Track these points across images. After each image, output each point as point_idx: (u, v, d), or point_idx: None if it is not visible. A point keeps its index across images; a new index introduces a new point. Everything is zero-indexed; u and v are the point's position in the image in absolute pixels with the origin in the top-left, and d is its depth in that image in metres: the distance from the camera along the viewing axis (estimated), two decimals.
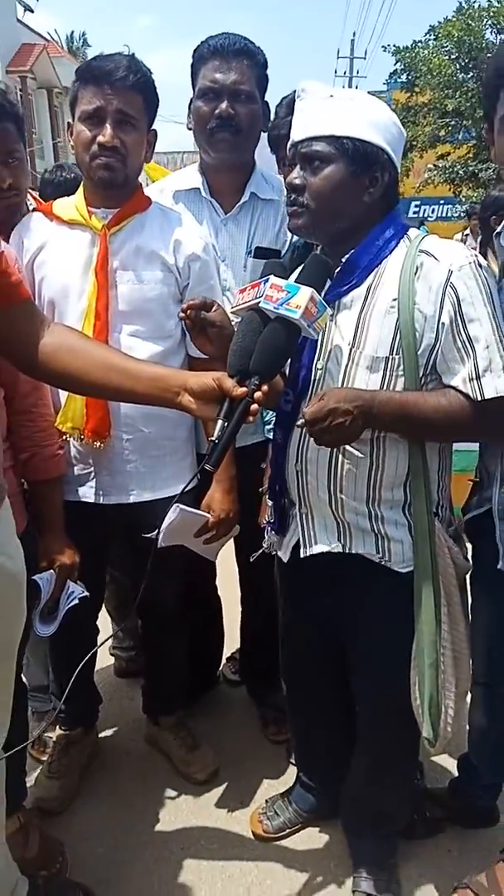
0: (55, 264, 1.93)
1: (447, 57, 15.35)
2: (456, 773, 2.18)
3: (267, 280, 1.44)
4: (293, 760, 2.36)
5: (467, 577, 1.74)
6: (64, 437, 1.93)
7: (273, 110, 2.19)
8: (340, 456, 1.58)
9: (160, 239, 1.95)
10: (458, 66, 15.42)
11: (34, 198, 2.28)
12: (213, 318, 1.60)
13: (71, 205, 1.95)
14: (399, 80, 16.85)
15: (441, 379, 1.54)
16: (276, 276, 1.45)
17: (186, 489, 1.65)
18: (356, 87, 15.94)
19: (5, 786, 1.63)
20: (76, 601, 1.92)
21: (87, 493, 2.03)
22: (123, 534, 2.20)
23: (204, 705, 2.70)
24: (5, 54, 24.50)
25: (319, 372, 1.60)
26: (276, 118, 2.20)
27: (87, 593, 1.96)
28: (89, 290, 1.89)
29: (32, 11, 30.21)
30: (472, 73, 15.42)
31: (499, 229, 1.87)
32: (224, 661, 2.89)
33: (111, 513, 2.06)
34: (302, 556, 1.71)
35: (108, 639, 1.98)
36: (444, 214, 17.77)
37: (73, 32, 48.32)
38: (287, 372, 1.66)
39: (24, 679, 1.99)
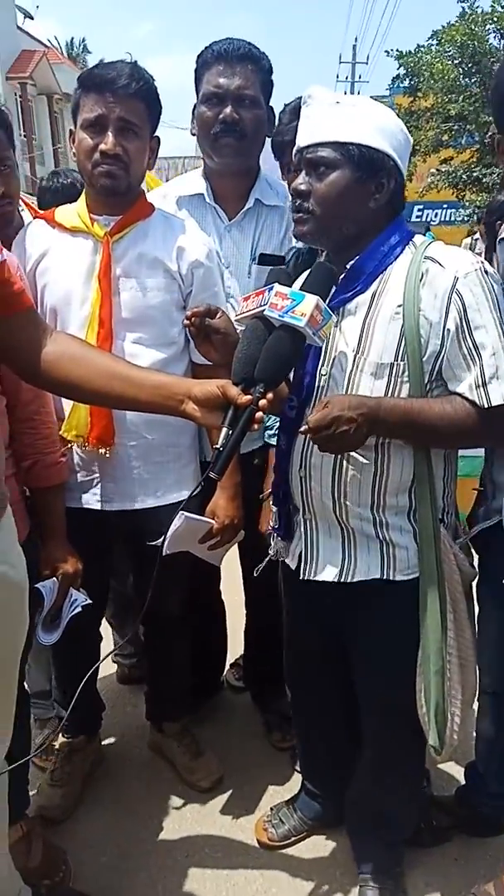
0: (57, 272, 1.93)
1: (450, 62, 15.36)
2: (462, 781, 2.17)
3: (271, 288, 1.43)
4: (298, 767, 2.35)
5: (473, 585, 1.73)
6: (67, 445, 1.93)
7: (277, 116, 2.19)
8: (345, 462, 1.58)
9: (163, 246, 1.94)
10: (461, 70, 15.42)
11: (27, 205, 2.27)
12: (218, 325, 1.60)
13: (73, 212, 1.95)
14: (402, 85, 16.84)
15: (447, 386, 1.53)
16: (281, 284, 1.44)
17: (191, 496, 1.64)
18: (358, 93, 15.96)
19: (8, 794, 1.62)
20: (79, 609, 1.92)
21: (89, 500, 2.02)
22: (126, 541, 2.20)
23: (208, 712, 2.69)
24: (5, 61, 24.62)
25: (323, 378, 1.59)
26: (280, 124, 2.20)
27: (90, 601, 1.95)
28: (92, 297, 1.89)
29: (32, 18, 30.49)
30: (475, 78, 15.43)
31: (502, 234, 1.86)
32: (228, 667, 2.88)
33: (114, 520, 2.06)
34: (303, 577, 1.71)
35: (113, 651, 1.98)
36: (447, 218, 17.78)
37: (72, 39, 48.78)
38: (291, 378, 1.66)
39: (26, 686, 1.98)
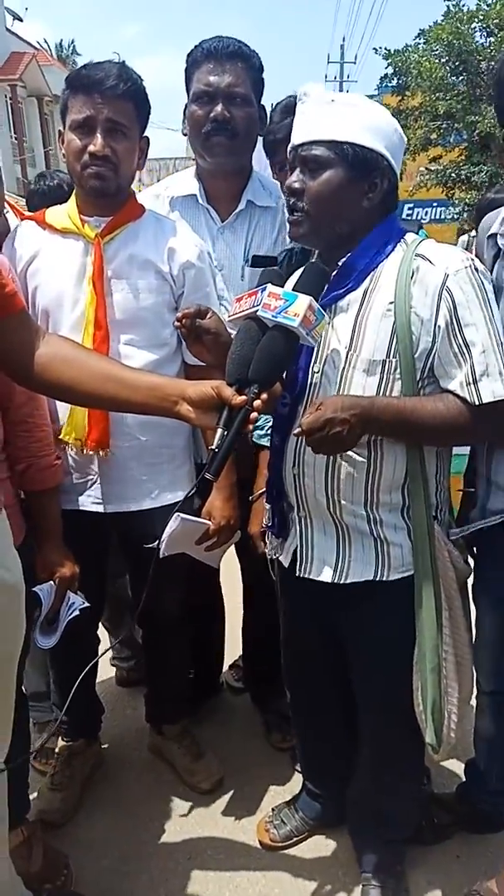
0: (48, 273, 1.92)
1: (437, 60, 15.40)
2: (463, 779, 2.17)
3: (264, 288, 1.43)
4: (298, 767, 2.35)
5: (469, 583, 1.73)
6: (62, 447, 1.92)
7: (269, 115, 2.18)
8: (338, 458, 1.58)
9: (154, 247, 1.94)
10: (448, 69, 15.47)
11: (12, 207, 2.26)
12: (209, 326, 1.59)
13: (63, 213, 1.94)
14: (390, 85, 16.88)
15: (439, 383, 1.54)
16: (274, 285, 1.44)
17: (187, 497, 1.64)
18: (347, 92, 15.92)
19: (8, 799, 1.61)
20: (77, 612, 1.91)
21: (85, 503, 2.02)
22: (122, 543, 2.20)
23: (208, 713, 2.69)
24: None
25: (316, 375, 1.59)
26: (272, 122, 2.19)
27: (87, 604, 1.94)
28: (86, 299, 1.88)
29: (21, 20, 30.45)
30: (462, 76, 15.47)
31: (493, 230, 1.85)
32: (227, 668, 2.88)
33: (110, 522, 2.05)
34: (298, 575, 1.71)
35: (105, 651, 1.98)
36: (437, 217, 17.84)
37: (61, 41, 48.69)
38: (284, 375, 1.66)
39: (23, 689, 1.97)
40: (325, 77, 32.85)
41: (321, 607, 1.76)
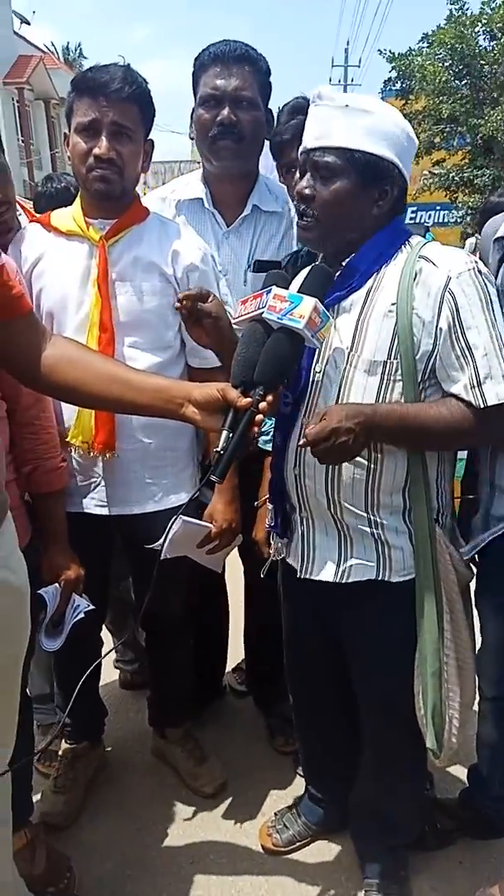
0: (53, 275, 1.92)
1: (441, 64, 15.43)
2: (466, 784, 2.16)
3: (269, 291, 1.43)
4: (301, 772, 2.34)
5: (471, 587, 1.73)
6: (66, 450, 1.92)
7: (276, 118, 2.18)
8: None
9: (158, 250, 1.94)
10: (451, 72, 15.50)
11: (24, 209, 2.27)
12: (209, 309, 1.59)
13: (68, 216, 1.95)
14: (393, 88, 16.93)
15: (440, 385, 1.54)
16: (279, 287, 1.44)
17: (190, 500, 1.64)
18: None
19: (11, 801, 1.61)
20: (82, 615, 1.91)
21: (89, 505, 2.02)
22: (125, 545, 2.20)
23: (211, 716, 2.69)
24: (2, 66, 24.79)
25: (318, 375, 1.59)
26: (279, 123, 2.18)
27: (92, 606, 1.95)
28: (91, 301, 1.88)
29: (29, 23, 30.52)
30: (465, 80, 15.51)
31: (498, 234, 1.85)
32: (230, 671, 2.88)
33: (114, 524, 2.05)
34: (300, 576, 1.70)
35: (108, 652, 1.98)
36: (440, 220, 17.90)
37: (68, 44, 48.68)
38: None
39: (27, 691, 1.97)
40: (329, 80, 32.88)
41: (323, 607, 1.76)
